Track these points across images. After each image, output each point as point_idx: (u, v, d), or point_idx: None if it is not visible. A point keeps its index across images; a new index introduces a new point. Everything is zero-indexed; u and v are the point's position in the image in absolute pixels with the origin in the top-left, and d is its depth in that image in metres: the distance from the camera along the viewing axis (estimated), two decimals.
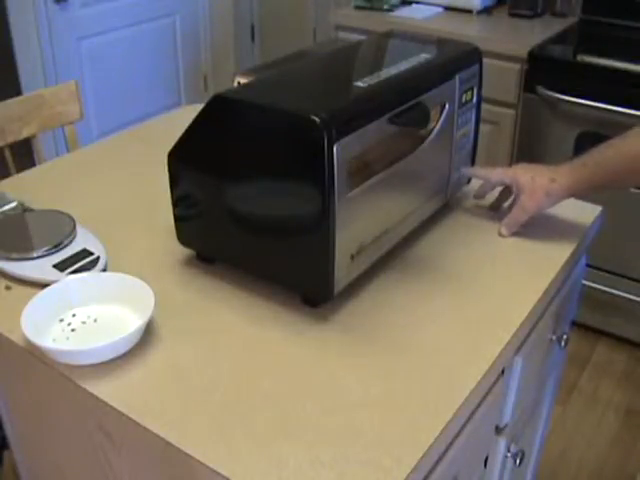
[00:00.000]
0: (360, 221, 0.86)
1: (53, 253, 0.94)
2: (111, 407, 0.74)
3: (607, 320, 2.17)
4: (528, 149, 2.09)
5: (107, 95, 2.84)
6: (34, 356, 0.80)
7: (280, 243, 0.85)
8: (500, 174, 1.06)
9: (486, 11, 2.36)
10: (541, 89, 1.98)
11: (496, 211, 1.10)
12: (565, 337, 1.11)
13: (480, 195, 1.12)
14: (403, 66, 0.93)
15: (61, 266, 0.91)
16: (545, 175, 1.01)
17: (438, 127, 0.98)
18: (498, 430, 0.98)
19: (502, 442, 1.00)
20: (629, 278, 2.07)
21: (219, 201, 0.87)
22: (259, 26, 3.27)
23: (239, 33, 3.25)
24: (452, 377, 0.78)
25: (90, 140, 2.78)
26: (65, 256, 0.93)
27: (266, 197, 0.83)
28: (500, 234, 1.04)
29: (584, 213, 1.11)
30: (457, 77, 0.99)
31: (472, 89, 1.04)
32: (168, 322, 0.85)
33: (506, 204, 1.10)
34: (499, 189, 1.11)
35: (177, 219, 0.94)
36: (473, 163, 1.13)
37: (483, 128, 2.28)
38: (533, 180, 1.01)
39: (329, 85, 0.92)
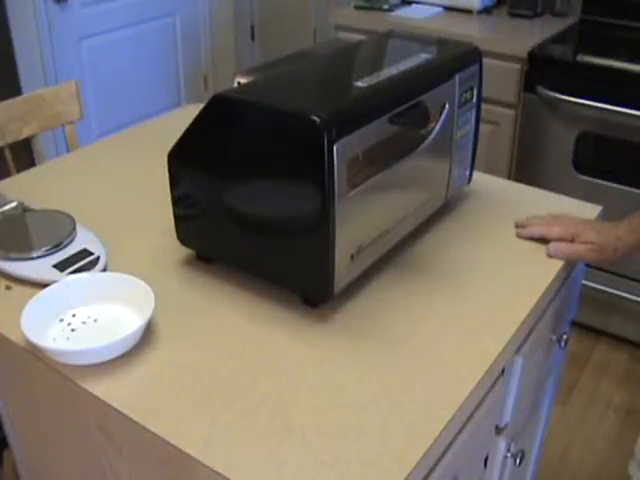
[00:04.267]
0: (360, 221, 0.86)
1: (53, 253, 0.94)
2: (111, 407, 0.74)
3: (607, 320, 2.17)
4: (528, 149, 2.10)
5: (107, 95, 2.84)
6: (34, 356, 0.80)
7: (280, 243, 0.85)
8: (560, 231, 1.01)
9: (486, 11, 2.36)
10: (541, 89, 1.98)
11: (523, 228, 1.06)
12: (565, 337, 1.11)
13: (522, 224, 1.07)
14: (403, 66, 0.93)
15: (61, 266, 0.91)
16: (611, 232, 0.98)
17: (438, 127, 0.98)
18: (498, 430, 0.98)
19: (502, 442, 1.00)
20: (629, 278, 2.07)
21: (219, 201, 0.87)
22: (259, 26, 3.27)
23: (239, 33, 3.26)
24: (452, 377, 0.78)
25: (90, 140, 2.78)
26: (65, 256, 0.93)
27: (266, 197, 0.83)
28: (548, 254, 1.00)
29: (584, 213, 1.11)
30: (457, 77, 0.99)
31: (472, 89, 1.04)
32: (168, 322, 0.85)
33: (529, 215, 1.08)
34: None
35: (177, 219, 0.94)
36: (473, 163, 1.13)
37: (483, 128, 2.28)
38: (600, 235, 0.98)
39: (329, 85, 0.92)
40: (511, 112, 2.09)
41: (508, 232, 1.06)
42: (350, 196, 0.81)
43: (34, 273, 0.91)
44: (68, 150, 1.62)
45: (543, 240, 1.02)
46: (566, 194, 1.18)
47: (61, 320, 0.83)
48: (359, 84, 0.86)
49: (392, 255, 0.99)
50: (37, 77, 2.57)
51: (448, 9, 2.38)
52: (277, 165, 0.80)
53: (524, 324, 0.88)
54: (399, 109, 0.87)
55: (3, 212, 1.04)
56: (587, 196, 1.20)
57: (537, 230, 1.03)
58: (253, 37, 3.29)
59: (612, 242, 0.97)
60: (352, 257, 0.86)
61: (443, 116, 0.98)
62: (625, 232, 0.97)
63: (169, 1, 2.98)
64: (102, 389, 0.75)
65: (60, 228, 0.98)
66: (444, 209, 1.10)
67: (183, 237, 0.95)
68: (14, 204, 1.06)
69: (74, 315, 0.84)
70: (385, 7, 2.37)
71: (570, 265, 1.03)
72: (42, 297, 0.83)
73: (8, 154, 1.56)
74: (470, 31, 2.20)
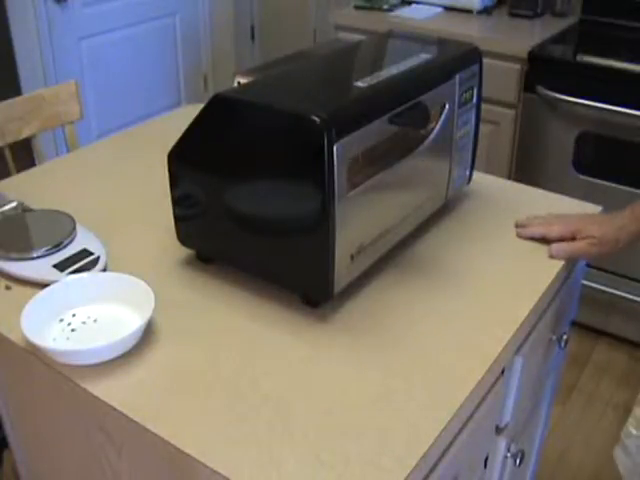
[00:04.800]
0: (360, 221, 0.86)
1: (53, 253, 0.94)
2: (111, 407, 0.74)
3: (607, 320, 2.17)
4: (528, 149, 2.10)
5: (107, 95, 2.84)
6: (34, 356, 0.80)
7: (280, 243, 0.85)
8: (561, 230, 1.01)
9: (486, 11, 2.36)
10: (541, 89, 1.98)
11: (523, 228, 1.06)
12: (565, 337, 1.11)
13: (522, 224, 1.06)
14: (403, 66, 0.93)
15: (61, 266, 0.91)
16: (613, 223, 0.98)
17: (438, 127, 0.98)
18: (498, 430, 0.98)
19: (502, 442, 1.00)
20: (629, 278, 2.07)
21: (219, 201, 0.87)
22: (259, 26, 3.27)
23: (239, 33, 3.25)
24: (452, 377, 0.78)
25: (90, 140, 2.77)
26: (65, 256, 0.93)
27: (266, 197, 0.83)
28: (550, 254, 0.99)
29: (584, 213, 1.11)
30: (457, 77, 0.99)
31: (472, 89, 1.04)
32: (168, 322, 0.85)
33: (531, 216, 1.07)
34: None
35: (177, 219, 0.94)
36: (473, 163, 1.13)
37: (483, 128, 2.27)
38: (601, 227, 0.97)
39: (329, 85, 0.92)
40: (511, 112, 2.09)
41: (508, 232, 1.06)
42: (350, 196, 0.81)
43: (34, 273, 0.91)
44: (68, 150, 1.62)
45: (543, 240, 1.02)
46: (566, 194, 1.18)
47: (61, 320, 0.83)
48: (359, 84, 0.86)
49: (392, 255, 0.99)
50: (37, 77, 2.57)
51: (448, 9, 2.38)
52: (277, 165, 0.80)
53: (524, 324, 0.88)
54: (399, 109, 0.87)
55: (3, 212, 1.04)
56: (587, 196, 1.20)
57: (537, 230, 1.03)
58: (253, 37, 3.29)
59: (614, 232, 0.97)
60: (352, 257, 0.86)
61: (443, 116, 0.98)
62: (628, 220, 0.97)
63: (169, 1, 2.97)
64: (102, 389, 0.75)
65: (60, 228, 0.98)
66: (444, 209, 1.10)
67: (183, 237, 0.95)
68: (14, 204, 1.06)
69: (74, 315, 0.84)
70: (385, 7, 2.37)
71: (570, 264, 1.03)
72: (42, 297, 0.83)
73: (8, 154, 1.56)
74: (470, 31, 2.20)
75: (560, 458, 1.83)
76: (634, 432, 1.00)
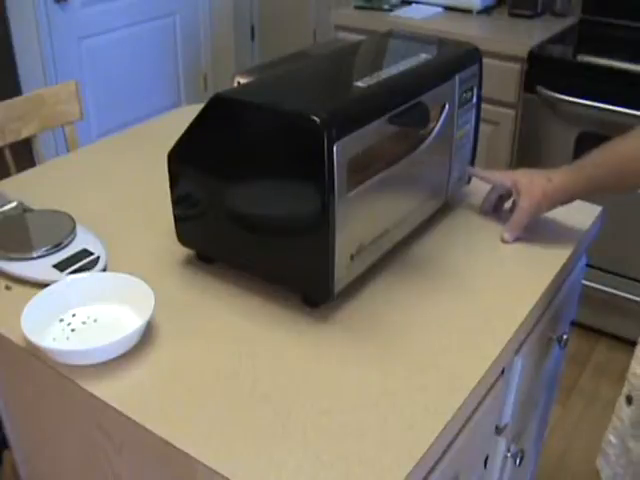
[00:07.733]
0: (360, 221, 0.86)
1: (53, 253, 0.94)
2: (111, 407, 0.74)
3: (607, 320, 2.17)
4: (528, 149, 2.10)
5: (107, 95, 2.84)
6: (34, 356, 0.80)
7: (280, 243, 0.85)
8: (501, 177, 1.07)
9: (486, 11, 2.36)
10: (541, 89, 1.98)
11: (491, 213, 1.10)
12: (565, 337, 1.11)
13: (486, 210, 1.10)
14: (403, 66, 0.93)
15: (61, 266, 0.91)
16: (543, 176, 1.02)
17: (438, 127, 0.98)
18: (498, 430, 0.98)
19: (502, 442, 1.00)
20: (629, 278, 2.07)
21: (219, 201, 0.87)
22: (259, 26, 3.27)
23: (239, 33, 3.25)
24: (452, 377, 0.78)
25: (90, 140, 2.77)
26: (65, 256, 0.93)
27: (266, 197, 0.83)
28: (503, 240, 1.03)
29: (584, 213, 1.11)
30: (457, 77, 0.99)
31: (472, 89, 1.04)
32: (168, 322, 0.85)
33: (507, 206, 1.10)
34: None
35: (177, 219, 0.94)
36: (473, 163, 1.13)
37: (483, 128, 2.27)
38: (531, 182, 1.02)
39: (329, 85, 0.92)
40: (511, 112, 2.09)
41: None
42: (350, 196, 0.81)
43: (34, 273, 0.91)
44: (68, 150, 1.62)
45: (543, 240, 1.03)
46: None
47: (61, 320, 0.83)
48: (359, 84, 0.86)
49: (392, 255, 0.99)
50: (37, 77, 2.57)
51: (448, 9, 2.38)
52: (277, 165, 0.80)
53: (524, 324, 0.88)
54: (399, 109, 0.87)
55: (3, 212, 1.04)
56: (587, 196, 1.20)
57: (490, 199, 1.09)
58: (253, 37, 3.29)
59: (543, 184, 1.01)
60: (352, 257, 0.86)
61: (443, 116, 0.98)
62: (558, 175, 1.01)
63: (169, 1, 2.98)
64: (102, 389, 0.75)
65: (60, 228, 0.98)
66: (444, 209, 1.10)
67: (183, 237, 0.95)
68: (14, 204, 1.06)
69: (74, 315, 0.84)
70: (385, 7, 2.37)
71: (570, 264, 1.03)
72: (42, 297, 0.83)
73: (8, 154, 1.56)
74: (470, 31, 2.20)
75: (560, 458, 1.83)
76: (613, 440, 1.00)
